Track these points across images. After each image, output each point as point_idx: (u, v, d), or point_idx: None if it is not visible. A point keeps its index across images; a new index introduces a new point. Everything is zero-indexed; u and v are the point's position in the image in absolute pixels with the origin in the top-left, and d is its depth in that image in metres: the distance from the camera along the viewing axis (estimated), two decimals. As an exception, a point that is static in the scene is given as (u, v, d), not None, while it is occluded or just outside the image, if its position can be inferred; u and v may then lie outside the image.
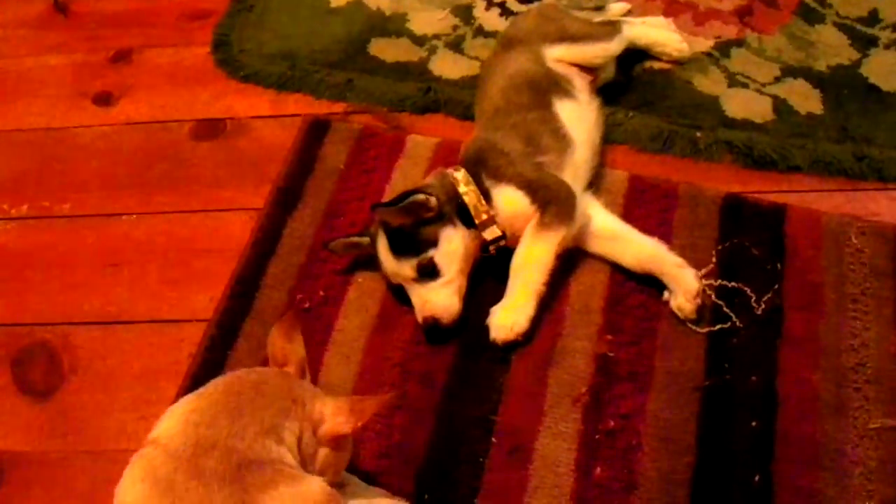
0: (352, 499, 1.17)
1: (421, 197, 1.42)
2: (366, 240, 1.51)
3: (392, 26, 1.98)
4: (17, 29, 2.20)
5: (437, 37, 1.95)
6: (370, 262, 1.53)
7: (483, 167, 1.48)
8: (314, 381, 1.43)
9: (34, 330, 1.59)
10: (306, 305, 1.53)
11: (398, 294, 1.50)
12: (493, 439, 1.35)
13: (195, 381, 1.42)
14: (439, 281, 1.44)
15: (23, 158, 1.89)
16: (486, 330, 1.44)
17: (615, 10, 1.89)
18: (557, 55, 1.65)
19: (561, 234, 1.43)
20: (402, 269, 1.45)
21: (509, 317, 1.42)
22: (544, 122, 1.54)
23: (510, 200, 1.46)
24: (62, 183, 1.82)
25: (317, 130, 1.79)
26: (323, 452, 1.13)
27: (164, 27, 2.12)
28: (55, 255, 1.70)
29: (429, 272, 1.44)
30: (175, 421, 1.07)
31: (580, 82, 1.64)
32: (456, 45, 1.92)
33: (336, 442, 1.14)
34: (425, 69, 1.88)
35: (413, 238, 1.44)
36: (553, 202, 1.44)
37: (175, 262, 1.64)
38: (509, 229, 1.47)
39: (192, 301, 1.57)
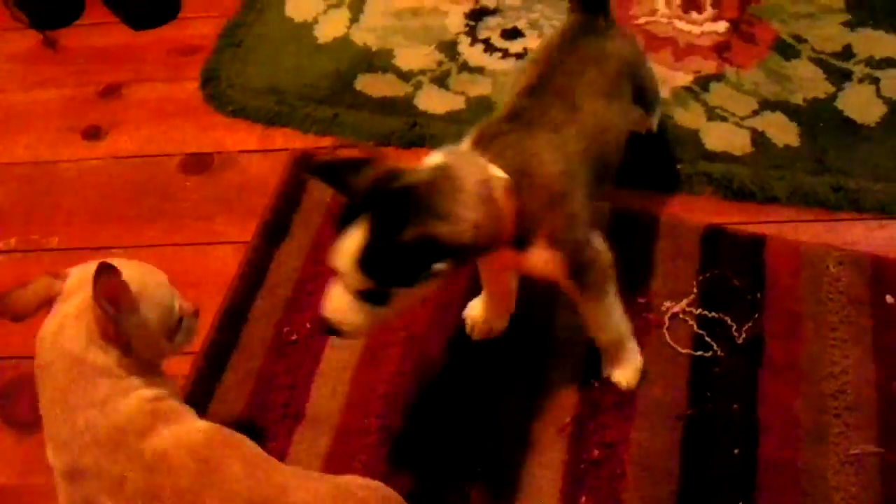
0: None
1: None
2: None
3: (378, 62, 2.01)
4: (7, 63, 2.22)
5: (422, 72, 1.98)
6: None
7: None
8: (301, 413, 1.44)
9: (20, 363, 1.58)
10: (293, 338, 1.54)
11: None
12: (479, 469, 1.36)
13: (182, 413, 1.43)
14: None
15: (11, 192, 1.90)
16: (469, 349, 1.46)
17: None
18: None
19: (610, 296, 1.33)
20: None
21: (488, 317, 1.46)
22: None
23: (545, 261, 1.23)
24: (51, 216, 1.84)
25: (304, 165, 1.81)
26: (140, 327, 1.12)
27: (153, 62, 2.14)
28: (43, 289, 1.70)
29: None
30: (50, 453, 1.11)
31: None
32: (441, 81, 1.96)
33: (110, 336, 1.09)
34: (411, 104, 1.91)
35: None
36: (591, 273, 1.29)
37: (163, 295, 1.65)
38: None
39: (179, 334, 1.58)
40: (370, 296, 1.12)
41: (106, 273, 1.06)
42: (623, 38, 1.47)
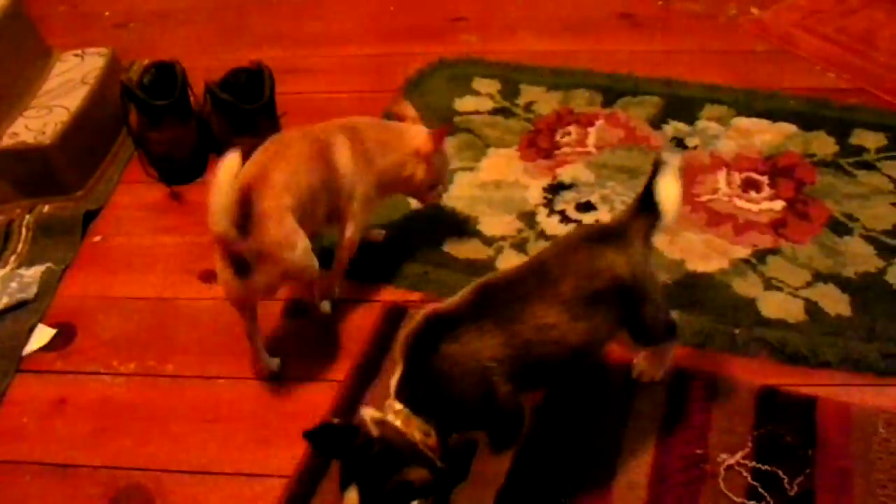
0: None
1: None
2: None
3: (465, 227, 2.20)
4: (138, 211, 2.45)
5: (503, 238, 2.15)
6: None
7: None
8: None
9: (133, 473, 1.75)
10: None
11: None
12: None
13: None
14: None
15: (134, 322, 2.09)
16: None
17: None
18: None
19: (509, 456, 1.55)
20: None
21: None
22: None
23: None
24: (167, 346, 2.02)
25: (395, 315, 1.99)
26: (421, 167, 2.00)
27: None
28: (157, 409, 1.88)
29: None
30: None
31: None
32: (520, 247, 2.12)
33: (426, 158, 1.98)
34: (493, 266, 2.07)
35: None
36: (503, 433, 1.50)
37: (263, 422, 1.81)
38: None
39: (276, 458, 1.73)
40: None
41: (445, 128, 2.04)
42: (632, 257, 1.50)
